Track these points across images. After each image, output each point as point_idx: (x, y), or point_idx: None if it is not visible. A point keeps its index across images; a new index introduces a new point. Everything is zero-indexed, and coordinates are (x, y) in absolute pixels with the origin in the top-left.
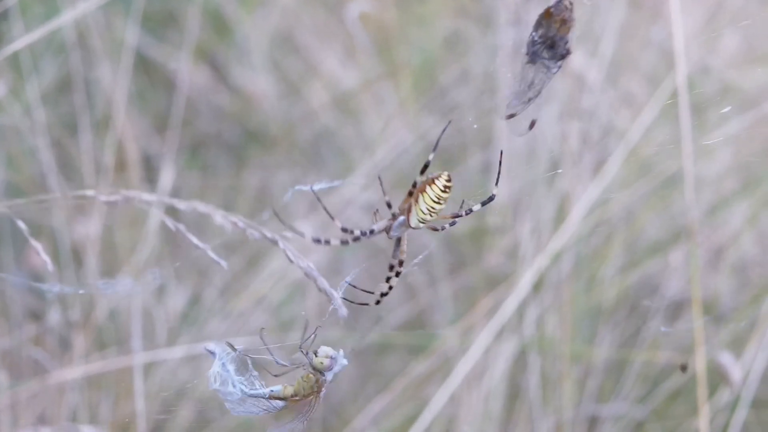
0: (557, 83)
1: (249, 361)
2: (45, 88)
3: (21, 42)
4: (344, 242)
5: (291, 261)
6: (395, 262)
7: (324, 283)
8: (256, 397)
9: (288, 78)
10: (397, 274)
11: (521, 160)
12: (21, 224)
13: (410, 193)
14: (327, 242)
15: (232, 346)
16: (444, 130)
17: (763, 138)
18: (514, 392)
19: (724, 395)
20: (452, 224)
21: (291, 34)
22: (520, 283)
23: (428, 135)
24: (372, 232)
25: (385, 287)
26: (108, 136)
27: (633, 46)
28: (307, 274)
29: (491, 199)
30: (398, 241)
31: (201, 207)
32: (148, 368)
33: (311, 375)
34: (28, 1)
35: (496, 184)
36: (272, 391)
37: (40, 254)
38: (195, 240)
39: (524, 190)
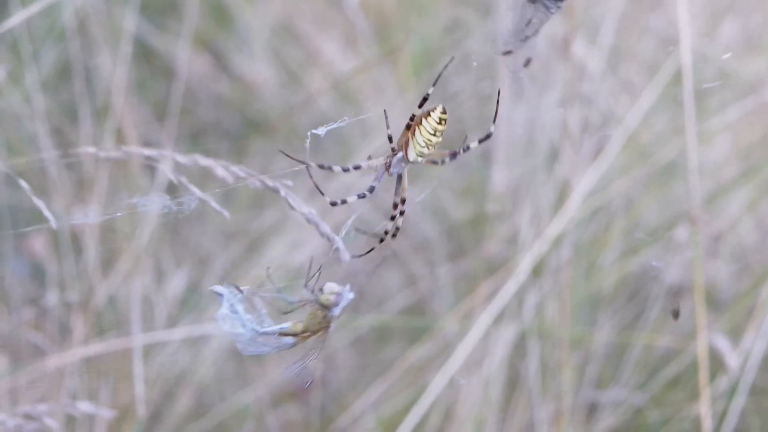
0: (557, 69)
1: (259, 301)
2: (45, 76)
3: (18, 17)
4: (361, 196)
5: (292, 207)
6: (398, 199)
7: (326, 227)
8: (267, 334)
9: (288, 66)
10: (401, 213)
11: (520, 146)
12: (24, 184)
13: (408, 127)
14: (344, 202)
15: (238, 288)
16: (446, 66)
17: (762, 125)
18: (513, 378)
19: (723, 382)
20: (453, 158)
21: (291, 23)
22: (519, 268)
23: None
24: (373, 189)
25: (390, 225)
26: (108, 123)
27: (632, 34)
28: (308, 220)
29: (488, 136)
30: (399, 178)
31: (202, 160)
32: (148, 352)
33: (318, 312)
34: None
35: (494, 122)
36: (282, 328)
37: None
38: (197, 191)
39: (524, 176)
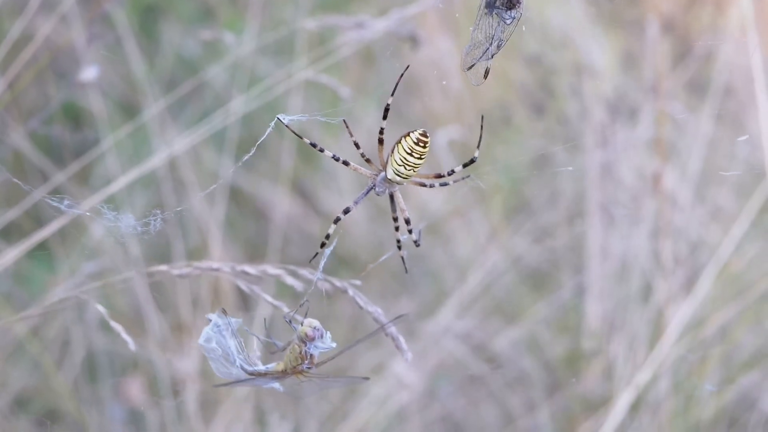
0: (647, 201)
1: (255, 341)
2: (137, 220)
3: (118, 184)
4: (335, 158)
5: (361, 307)
6: (395, 215)
7: (393, 329)
8: (254, 374)
9: (375, 201)
10: (410, 232)
11: (614, 279)
12: (100, 308)
13: (380, 141)
14: (321, 150)
15: (224, 312)
16: (402, 75)
17: None
18: None
19: None
20: (442, 184)
21: (376, 157)
22: (617, 405)
23: (522, 258)
24: (346, 163)
25: (397, 236)
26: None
27: (720, 159)
28: (375, 319)
29: (472, 161)
30: (391, 197)
31: (270, 270)
32: None
33: (296, 346)
34: (118, 134)
35: (478, 147)
36: (268, 368)
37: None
38: (269, 299)
39: (617, 309)
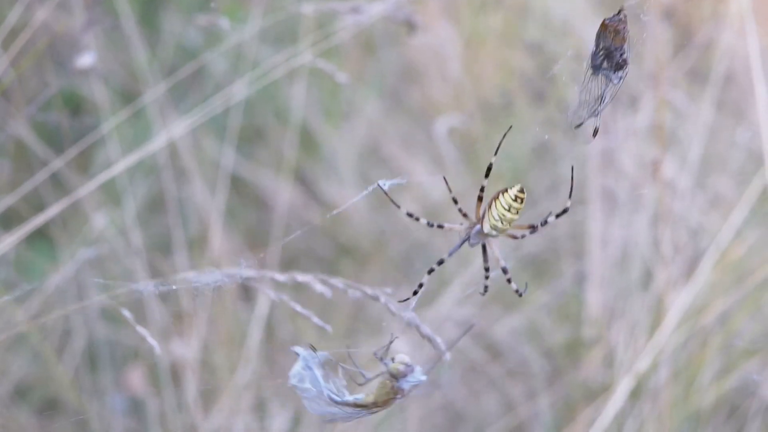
0: (647, 188)
1: (340, 371)
2: (138, 209)
3: (117, 168)
4: (430, 225)
5: (393, 314)
6: (486, 266)
7: (427, 329)
8: (342, 404)
9: (377, 190)
10: (505, 272)
11: (614, 267)
12: (126, 313)
13: (479, 198)
14: (417, 219)
15: (314, 348)
16: (504, 135)
17: None
18: None
19: None
20: (532, 232)
21: (377, 147)
22: (617, 393)
23: (522, 247)
24: (441, 227)
25: (487, 282)
26: (203, 254)
27: (720, 146)
28: (409, 323)
29: (565, 211)
30: (483, 248)
31: (299, 277)
32: None
33: (387, 381)
34: (120, 123)
35: (569, 197)
36: (357, 399)
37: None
38: (299, 308)
39: (618, 297)
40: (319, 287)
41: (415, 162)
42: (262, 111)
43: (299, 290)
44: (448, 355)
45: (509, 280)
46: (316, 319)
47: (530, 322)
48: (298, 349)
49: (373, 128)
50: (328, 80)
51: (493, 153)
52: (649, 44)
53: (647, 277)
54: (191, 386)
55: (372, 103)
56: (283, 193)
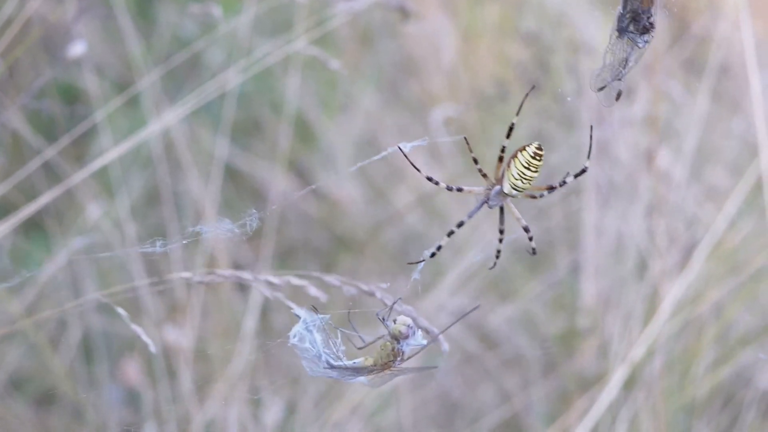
0: (642, 179)
1: (339, 335)
2: (133, 201)
3: (110, 156)
4: (449, 188)
5: (387, 306)
6: (501, 227)
7: (425, 322)
8: (340, 368)
9: (373, 182)
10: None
11: (609, 256)
12: (121, 311)
13: (500, 159)
14: (437, 183)
15: (315, 309)
16: (527, 95)
17: None
18: None
19: None
20: (550, 192)
21: (374, 138)
22: (611, 382)
23: (517, 238)
24: (461, 190)
25: (500, 246)
26: (198, 246)
27: (715, 138)
28: (407, 316)
29: (584, 171)
30: (501, 210)
31: (295, 280)
32: None
33: (388, 343)
34: (114, 114)
35: (588, 157)
36: (355, 363)
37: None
38: (293, 306)
39: (613, 287)
40: (313, 291)
41: (412, 153)
42: (258, 103)
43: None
44: (446, 345)
45: (531, 238)
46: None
47: (525, 312)
48: (299, 311)
49: (370, 120)
50: (325, 72)
51: (515, 117)
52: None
53: (642, 267)
54: (186, 377)
55: (369, 95)
56: (279, 185)
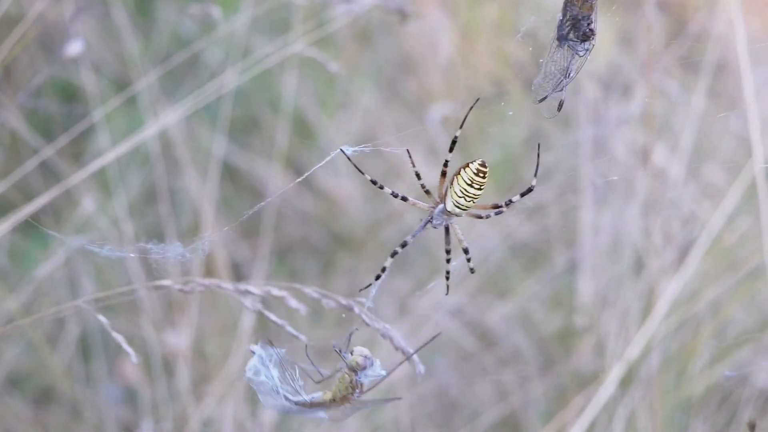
0: (638, 177)
1: (297, 370)
2: (131, 199)
3: (108, 157)
4: (394, 195)
5: (367, 324)
6: (448, 248)
7: (400, 341)
8: (299, 404)
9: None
10: (468, 260)
11: (606, 255)
12: (102, 318)
13: (443, 174)
14: (381, 187)
15: (270, 343)
16: (471, 108)
17: None
18: None
19: None
20: (497, 212)
21: (373, 136)
22: (608, 380)
23: (514, 235)
24: (405, 199)
25: (449, 267)
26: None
27: (712, 136)
28: (383, 335)
29: (530, 190)
30: (446, 229)
31: (275, 291)
32: None
33: (346, 375)
34: (112, 114)
35: (535, 175)
36: (313, 398)
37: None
38: (273, 317)
39: (610, 285)
40: (293, 303)
41: (412, 147)
42: (257, 101)
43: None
44: (421, 368)
45: (469, 260)
46: (289, 329)
47: (522, 311)
48: (254, 347)
49: (369, 118)
50: (323, 71)
51: (458, 129)
52: (643, 33)
53: (639, 266)
54: (184, 375)
55: (368, 94)
56: (276, 182)
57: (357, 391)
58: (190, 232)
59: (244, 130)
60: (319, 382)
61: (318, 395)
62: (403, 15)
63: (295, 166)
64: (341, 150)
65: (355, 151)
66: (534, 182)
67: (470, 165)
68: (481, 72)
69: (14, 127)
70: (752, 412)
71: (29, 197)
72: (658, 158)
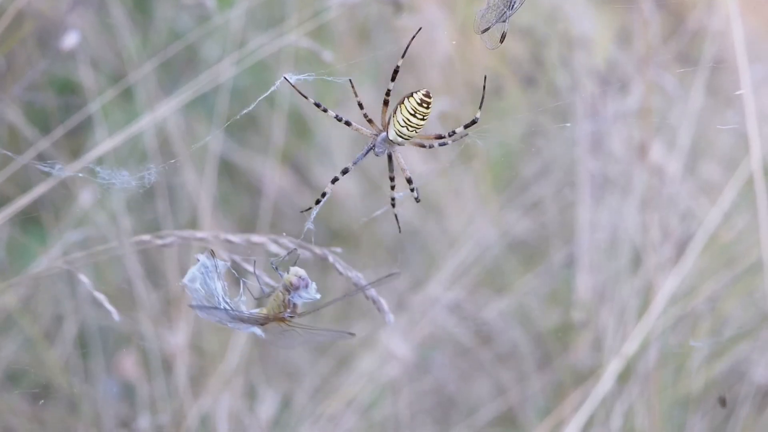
0: (636, 173)
1: (242, 285)
2: (129, 196)
3: (104, 147)
4: (338, 119)
5: (340, 273)
6: (391, 175)
7: (373, 292)
8: (235, 316)
9: (370, 176)
10: (412, 190)
11: (603, 251)
12: (83, 278)
13: (385, 103)
14: (325, 110)
15: (213, 253)
16: (413, 37)
17: None
18: None
19: None
20: (441, 143)
21: (378, 117)
22: (605, 376)
23: (512, 230)
24: (349, 124)
25: (394, 194)
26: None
27: (709, 131)
28: (355, 284)
29: (474, 122)
30: (389, 157)
31: (255, 238)
32: None
33: (280, 293)
34: (109, 108)
35: (480, 107)
36: (252, 313)
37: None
38: (267, 279)
39: (607, 281)
40: (273, 247)
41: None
42: (253, 97)
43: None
44: (390, 317)
45: (412, 189)
46: (268, 279)
47: (520, 306)
48: (199, 255)
49: (369, 111)
50: (321, 67)
51: (399, 59)
52: (640, 28)
53: (636, 262)
54: (181, 371)
55: (365, 89)
56: (273, 178)
57: (288, 310)
58: (188, 228)
59: (241, 127)
60: (257, 299)
61: (255, 311)
62: (397, 6)
63: (292, 163)
64: (284, 78)
65: (298, 79)
66: (478, 114)
67: (414, 95)
68: (478, 68)
69: (11, 120)
70: (750, 409)
71: (26, 190)
72: (655, 154)
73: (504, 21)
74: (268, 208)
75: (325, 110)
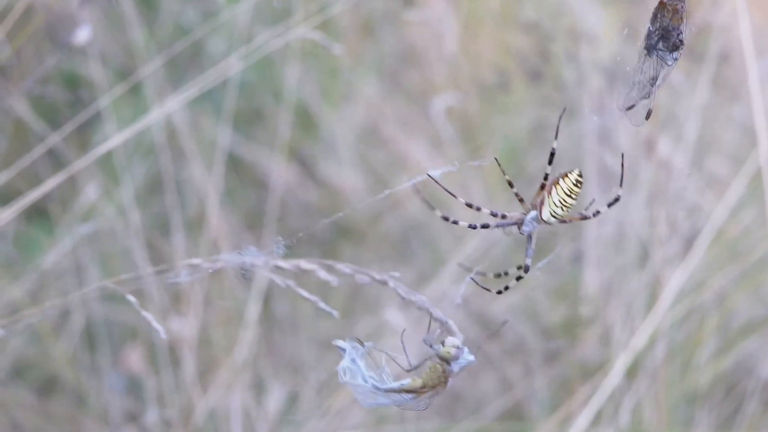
0: (642, 167)
1: (384, 358)
2: (136, 189)
3: (113, 141)
4: (494, 214)
5: (403, 297)
6: (528, 261)
7: (438, 312)
8: (388, 391)
9: (375, 171)
10: (526, 270)
11: (611, 246)
12: (132, 298)
13: (542, 186)
14: (479, 209)
15: (360, 342)
16: (561, 117)
17: None
18: None
19: None
20: (583, 219)
21: (376, 127)
22: (613, 371)
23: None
24: (504, 217)
25: (509, 280)
26: (201, 234)
27: (716, 125)
28: (420, 307)
29: (617, 200)
30: (529, 237)
31: (304, 264)
32: None
33: (438, 365)
34: (118, 103)
35: (621, 185)
36: (402, 384)
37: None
38: (305, 293)
39: (615, 276)
40: (323, 275)
41: (413, 142)
42: (260, 92)
43: (299, 273)
44: (460, 336)
45: (520, 278)
46: (322, 305)
47: (527, 301)
48: (340, 342)
49: (372, 109)
50: (326, 61)
51: (554, 141)
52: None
53: (643, 256)
54: (189, 365)
55: (371, 84)
56: (279, 173)
57: (450, 379)
58: (196, 223)
59: (248, 121)
60: (409, 371)
61: (407, 382)
62: (407, 1)
63: (298, 157)
64: (428, 174)
65: (442, 172)
66: (620, 191)
67: (569, 176)
68: (484, 62)
69: (20, 114)
70: (757, 405)
71: (35, 184)
72: (662, 149)
73: (648, 98)
74: (275, 203)
75: (455, 222)
